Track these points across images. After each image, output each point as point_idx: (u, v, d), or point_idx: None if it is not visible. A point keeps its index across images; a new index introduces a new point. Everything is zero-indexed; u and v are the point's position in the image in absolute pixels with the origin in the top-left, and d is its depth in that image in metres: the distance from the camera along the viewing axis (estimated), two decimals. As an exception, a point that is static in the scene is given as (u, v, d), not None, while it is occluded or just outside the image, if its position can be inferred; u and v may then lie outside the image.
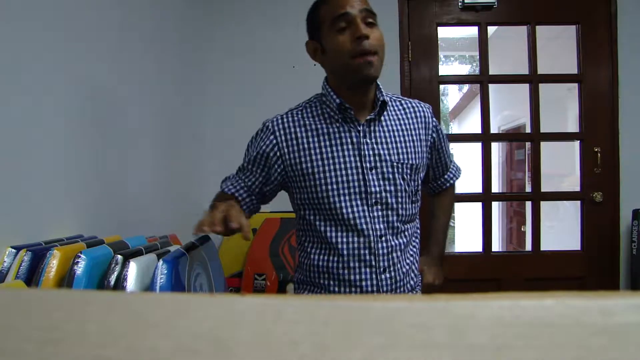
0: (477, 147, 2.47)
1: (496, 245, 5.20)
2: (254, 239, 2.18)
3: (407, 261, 1.12)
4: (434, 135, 1.19)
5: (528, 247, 2.86)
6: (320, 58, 1.09)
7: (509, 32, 3.40)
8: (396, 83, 2.32)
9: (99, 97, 1.38)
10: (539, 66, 2.33)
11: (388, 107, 1.12)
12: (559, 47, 2.80)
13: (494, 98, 2.55)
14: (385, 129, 1.10)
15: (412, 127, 1.13)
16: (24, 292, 0.29)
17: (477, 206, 2.43)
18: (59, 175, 1.18)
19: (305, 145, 1.07)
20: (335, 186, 1.05)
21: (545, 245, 2.41)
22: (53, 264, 0.93)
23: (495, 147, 5.36)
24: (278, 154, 1.09)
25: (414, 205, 1.13)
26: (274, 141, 1.09)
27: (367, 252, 1.06)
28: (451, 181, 1.32)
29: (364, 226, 1.05)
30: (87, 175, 1.30)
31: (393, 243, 1.08)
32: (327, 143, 1.06)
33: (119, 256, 0.97)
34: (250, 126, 2.58)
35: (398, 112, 1.13)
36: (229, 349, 0.22)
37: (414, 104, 1.17)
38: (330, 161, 1.05)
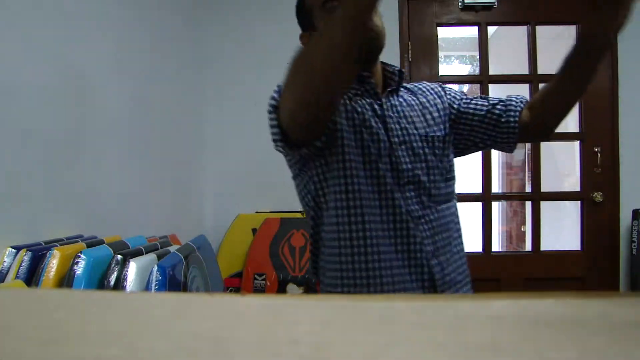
0: (477, 147, 2.46)
1: (496, 245, 5.19)
2: (254, 239, 2.18)
3: (456, 249, 0.99)
4: (450, 95, 1.08)
5: (528, 247, 2.86)
6: None
7: (509, 32, 3.40)
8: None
9: (99, 97, 1.38)
10: (538, 66, 2.33)
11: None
12: (558, 47, 2.80)
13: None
14: (405, 102, 1.01)
15: (427, 98, 1.04)
16: (24, 292, 0.29)
17: (477, 206, 2.43)
18: (59, 175, 1.18)
19: (348, 117, 0.94)
20: (364, 165, 0.93)
21: (545, 245, 2.41)
22: (53, 264, 0.93)
23: (495, 147, 5.34)
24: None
25: (447, 183, 1.00)
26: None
27: (402, 239, 0.93)
28: (519, 108, 1.03)
29: (398, 205, 0.93)
30: (87, 175, 1.30)
31: (434, 224, 0.96)
32: (354, 118, 0.94)
33: (119, 256, 0.97)
34: (250, 126, 2.57)
35: (409, 91, 1.06)
36: (229, 349, 0.22)
37: (422, 84, 1.10)
38: (358, 136, 0.93)
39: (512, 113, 1.01)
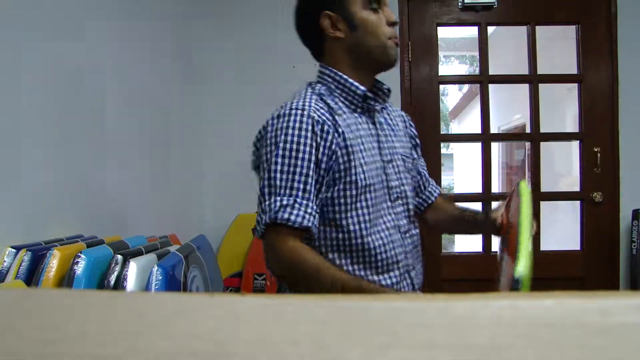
0: (477, 147, 2.46)
1: (496, 245, 5.18)
2: (254, 239, 2.18)
3: (420, 259, 1.06)
4: (417, 140, 1.16)
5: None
6: (344, 33, 0.96)
7: (509, 32, 3.40)
8: (396, 83, 2.32)
9: (99, 97, 1.38)
10: (538, 66, 2.33)
11: None
12: (558, 47, 2.80)
13: (493, 98, 2.55)
14: (385, 122, 1.04)
15: (398, 121, 1.08)
16: (24, 292, 0.29)
17: (477, 206, 2.43)
18: (59, 175, 1.18)
19: (341, 134, 0.93)
20: (368, 181, 0.93)
21: (545, 245, 2.41)
22: (53, 264, 0.93)
23: (495, 147, 5.36)
24: (332, 137, 0.91)
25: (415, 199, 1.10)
26: (324, 123, 0.91)
27: (399, 250, 0.97)
28: (435, 194, 1.17)
29: (392, 223, 0.96)
30: (87, 175, 1.30)
31: (415, 238, 1.02)
32: (352, 135, 0.94)
33: (119, 256, 0.97)
34: (250, 126, 2.57)
35: (386, 110, 1.08)
36: (229, 349, 0.22)
37: (393, 108, 1.13)
38: (359, 154, 0.93)
39: (424, 197, 1.16)
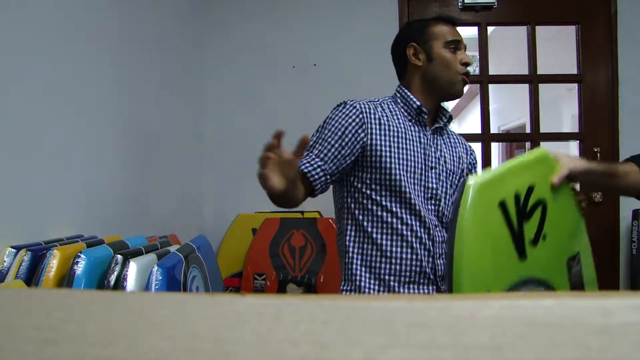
0: (477, 147, 2.46)
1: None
2: (254, 239, 2.18)
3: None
4: (472, 156, 1.36)
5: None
6: (422, 63, 1.23)
7: (509, 32, 3.40)
8: (397, 83, 2.32)
9: (98, 97, 1.38)
10: (538, 66, 2.33)
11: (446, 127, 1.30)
12: (558, 47, 2.80)
13: (493, 98, 2.55)
14: (445, 141, 1.27)
15: (459, 148, 1.31)
16: (24, 292, 0.29)
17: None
18: (59, 175, 1.18)
19: (385, 131, 1.17)
20: (404, 174, 1.15)
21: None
22: (53, 264, 0.93)
23: (495, 147, 5.36)
24: (365, 128, 1.16)
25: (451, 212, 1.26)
26: (361, 116, 1.16)
27: (426, 237, 1.16)
28: None
29: (424, 213, 1.16)
30: (87, 175, 1.30)
31: (445, 235, 1.20)
32: (401, 136, 1.18)
33: (119, 256, 0.97)
34: (250, 126, 2.56)
35: (451, 135, 1.32)
36: (229, 349, 0.22)
37: (458, 135, 1.37)
38: (402, 152, 1.17)
39: None
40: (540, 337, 0.22)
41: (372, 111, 1.17)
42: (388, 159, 1.15)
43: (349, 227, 1.20)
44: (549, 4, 2.35)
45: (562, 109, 3.32)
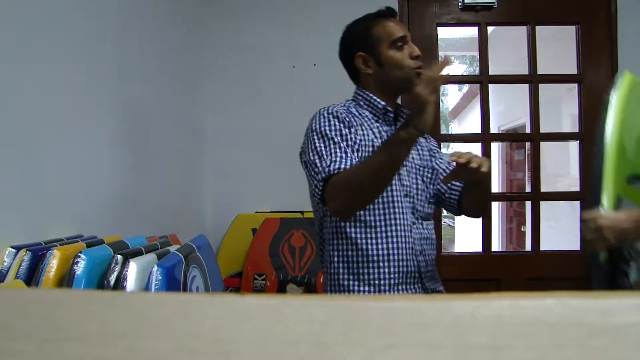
0: (477, 147, 2.46)
1: (496, 245, 5.19)
2: (254, 239, 2.18)
3: (432, 256, 1.24)
4: (434, 146, 1.38)
5: (528, 247, 2.86)
6: (373, 69, 1.23)
7: (509, 32, 3.40)
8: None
9: (98, 97, 1.38)
10: (538, 66, 2.33)
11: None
12: (558, 47, 2.80)
13: (493, 98, 2.55)
14: None
15: (421, 140, 1.31)
16: (24, 292, 0.29)
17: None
18: (59, 175, 1.18)
19: (360, 134, 1.19)
20: None
21: (545, 245, 2.41)
22: (53, 264, 0.93)
23: (495, 147, 5.36)
24: (352, 127, 1.18)
25: (429, 205, 1.28)
26: (341, 118, 1.17)
27: (409, 234, 1.18)
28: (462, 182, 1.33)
29: (404, 211, 1.18)
30: (87, 175, 1.30)
31: (422, 231, 1.22)
32: (375, 137, 1.20)
33: (119, 256, 0.97)
34: (250, 126, 2.56)
35: None
36: (229, 349, 0.22)
37: None
38: (369, 148, 1.17)
39: (455, 186, 1.30)
40: (541, 337, 0.22)
41: (345, 116, 1.18)
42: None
43: (331, 236, 1.20)
44: (549, 4, 2.35)
45: (562, 109, 3.33)
